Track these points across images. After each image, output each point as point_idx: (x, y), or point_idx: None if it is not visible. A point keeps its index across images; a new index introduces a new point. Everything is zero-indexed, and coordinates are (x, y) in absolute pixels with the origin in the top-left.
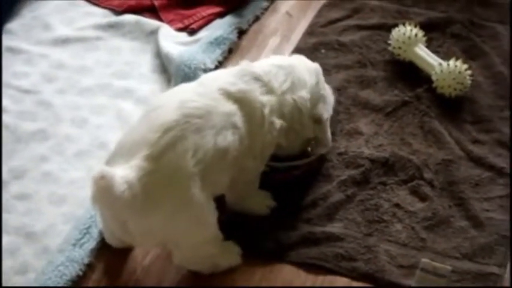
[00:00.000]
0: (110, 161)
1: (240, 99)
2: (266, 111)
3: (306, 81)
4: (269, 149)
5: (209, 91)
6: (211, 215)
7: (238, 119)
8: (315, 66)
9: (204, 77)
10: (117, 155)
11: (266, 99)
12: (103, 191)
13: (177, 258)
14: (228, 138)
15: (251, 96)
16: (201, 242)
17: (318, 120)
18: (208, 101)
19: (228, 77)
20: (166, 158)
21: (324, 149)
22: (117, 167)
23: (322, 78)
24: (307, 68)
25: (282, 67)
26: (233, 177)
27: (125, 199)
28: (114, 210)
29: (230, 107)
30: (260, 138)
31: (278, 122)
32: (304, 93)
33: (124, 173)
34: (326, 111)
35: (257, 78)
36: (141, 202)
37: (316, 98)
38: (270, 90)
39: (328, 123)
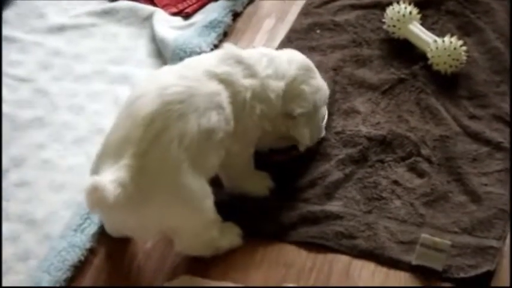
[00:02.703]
0: (98, 162)
1: (225, 80)
2: (248, 95)
3: (284, 73)
4: (252, 134)
5: (193, 73)
6: (207, 200)
7: (224, 99)
8: (302, 60)
9: (188, 60)
10: (105, 155)
11: (248, 82)
12: (98, 201)
13: (178, 245)
14: (213, 119)
15: (234, 78)
16: (199, 227)
17: (289, 115)
18: (191, 82)
19: (211, 59)
20: (153, 153)
21: (301, 147)
22: (106, 169)
23: (311, 74)
24: (289, 60)
25: (265, 55)
26: (224, 160)
27: (121, 202)
28: (113, 214)
29: (215, 87)
30: (242, 121)
31: (258, 107)
32: (280, 84)
33: (115, 176)
34: (300, 107)
35: (240, 61)
36: (136, 200)
37: (292, 92)
38: (252, 74)
39: (303, 121)
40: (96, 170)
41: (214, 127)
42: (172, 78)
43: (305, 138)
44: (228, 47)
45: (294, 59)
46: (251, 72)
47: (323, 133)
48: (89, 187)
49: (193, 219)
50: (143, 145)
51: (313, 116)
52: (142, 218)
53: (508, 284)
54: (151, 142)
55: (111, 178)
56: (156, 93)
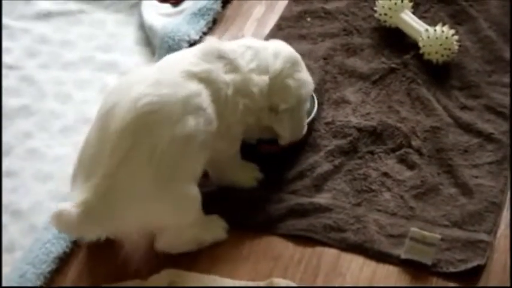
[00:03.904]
0: (73, 179)
1: (205, 79)
2: (229, 91)
3: (269, 66)
4: (237, 129)
5: (168, 77)
6: (190, 205)
7: (205, 99)
8: (289, 53)
9: (166, 60)
10: (78, 172)
11: (230, 78)
12: (64, 226)
13: (158, 244)
14: (189, 124)
15: (215, 75)
16: (181, 229)
17: (273, 109)
18: (164, 89)
19: (190, 57)
20: (122, 172)
21: (282, 141)
22: (78, 187)
23: (297, 67)
24: (275, 53)
25: (250, 48)
26: (210, 156)
27: (87, 223)
28: (85, 232)
29: (193, 87)
30: (225, 118)
31: (241, 102)
32: (264, 77)
33: (81, 198)
34: (285, 102)
35: (221, 56)
36: (106, 218)
37: (277, 87)
38: (235, 68)
39: (286, 116)
40: (72, 186)
41: (191, 133)
42: (144, 87)
43: (286, 133)
44: (209, 41)
45: (280, 52)
46: (233, 67)
47: (305, 129)
48: (53, 214)
49: (174, 225)
50: (112, 164)
51: (297, 110)
52: (116, 229)
53: (500, 279)
54: (120, 161)
55: (76, 201)
56: (126, 107)
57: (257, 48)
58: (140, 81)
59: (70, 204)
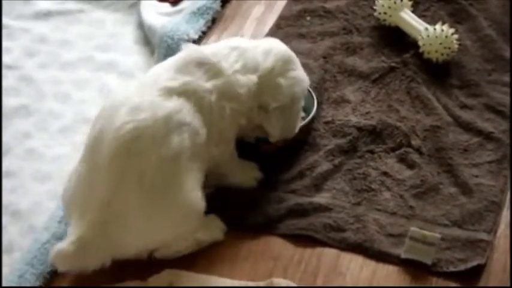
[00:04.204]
0: (66, 216)
1: (185, 92)
2: (213, 98)
3: (258, 64)
4: (229, 133)
5: (146, 99)
6: (192, 215)
7: (186, 114)
8: (281, 51)
9: (144, 80)
10: (72, 208)
11: (212, 84)
12: (65, 264)
13: (160, 253)
14: (174, 142)
15: (195, 85)
16: (183, 237)
17: (263, 108)
18: (144, 112)
19: (168, 72)
20: (115, 203)
21: (272, 139)
22: (73, 223)
23: (290, 65)
24: (266, 51)
25: (236, 48)
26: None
27: (87, 257)
28: (87, 265)
29: (172, 105)
30: (214, 125)
31: (228, 106)
32: (252, 76)
33: (76, 235)
34: (275, 100)
35: (201, 63)
36: (106, 249)
37: (267, 85)
38: (217, 73)
39: (276, 114)
40: (67, 219)
41: (177, 151)
42: (124, 115)
43: (276, 131)
44: (188, 50)
45: (272, 50)
46: (215, 72)
47: (298, 127)
48: (53, 255)
49: (177, 237)
50: (104, 196)
51: (289, 109)
52: (119, 255)
53: (500, 278)
54: (112, 192)
55: (72, 239)
56: (111, 138)
57: (244, 48)
58: (121, 105)
59: (67, 242)
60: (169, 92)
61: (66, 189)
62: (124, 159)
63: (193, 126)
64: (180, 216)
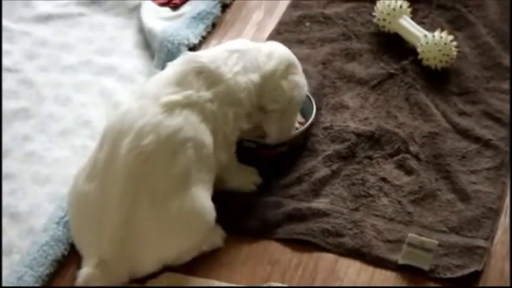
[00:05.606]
0: (81, 233)
1: (187, 104)
2: (215, 106)
3: (260, 66)
4: (233, 136)
5: (150, 122)
6: (205, 223)
7: (189, 128)
8: (284, 54)
9: (145, 93)
10: (84, 228)
11: (213, 91)
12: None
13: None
14: (181, 161)
15: (196, 97)
16: (196, 246)
17: (263, 109)
18: (148, 136)
19: (167, 86)
20: (130, 225)
21: (269, 140)
22: (89, 244)
23: (292, 69)
24: (269, 53)
25: (236, 51)
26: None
27: (112, 276)
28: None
29: (175, 122)
30: (220, 130)
31: (231, 111)
32: (253, 77)
33: (97, 258)
34: (275, 102)
35: (200, 72)
36: (127, 266)
37: (269, 86)
38: (217, 79)
39: (275, 116)
40: (80, 241)
41: (184, 167)
42: (130, 140)
43: (274, 132)
44: (185, 59)
45: (275, 53)
46: (215, 78)
47: (293, 131)
48: (80, 281)
49: (189, 249)
50: (119, 220)
51: (288, 112)
52: (139, 274)
53: (497, 285)
54: (127, 214)
55: (95, 261)
56: (120, 164)
57: (245, 50)
58: (127, 130)
59: (91, 265)
60: (172, 107)
61: (73, 207)
62: (134, 184)
63: (197, 139)
64: (195, 228)
